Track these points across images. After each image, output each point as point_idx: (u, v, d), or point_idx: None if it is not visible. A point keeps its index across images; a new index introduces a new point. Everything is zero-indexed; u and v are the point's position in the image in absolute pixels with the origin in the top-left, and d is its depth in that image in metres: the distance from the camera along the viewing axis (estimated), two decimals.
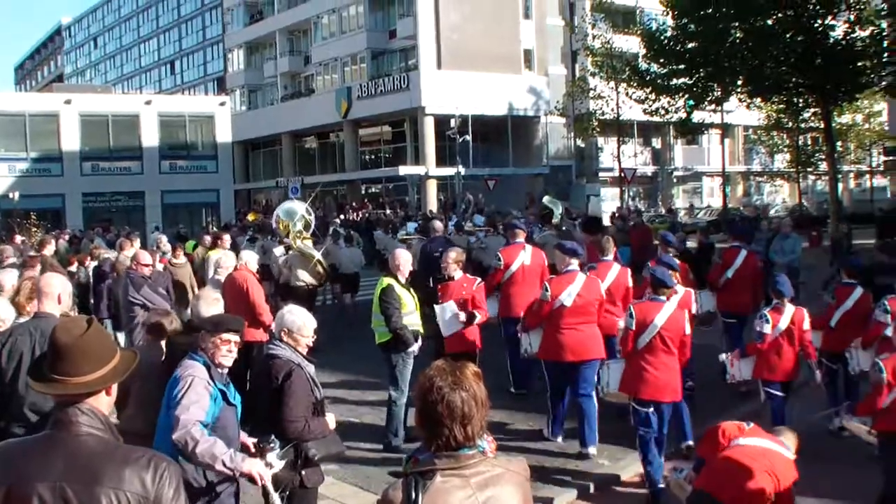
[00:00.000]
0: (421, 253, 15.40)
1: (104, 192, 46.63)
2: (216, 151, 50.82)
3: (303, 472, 6.01)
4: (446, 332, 10.20)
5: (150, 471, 3.14)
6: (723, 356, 9.79)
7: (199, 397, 5.21)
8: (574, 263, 9.85)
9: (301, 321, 6.34)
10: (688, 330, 8.63)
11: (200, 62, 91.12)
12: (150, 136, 48.03)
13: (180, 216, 46.26)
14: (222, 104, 52.66)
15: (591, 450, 9.45)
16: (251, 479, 5.28)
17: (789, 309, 9.15)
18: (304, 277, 15.38)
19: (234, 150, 59.00)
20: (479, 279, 10.82)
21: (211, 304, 7.00)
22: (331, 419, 6.34)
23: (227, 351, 5.53)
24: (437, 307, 10.25)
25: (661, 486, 8.12)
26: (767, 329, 9.11)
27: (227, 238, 16.96)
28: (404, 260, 10.07)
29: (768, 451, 5.83)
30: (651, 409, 8.39)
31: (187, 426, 5.02)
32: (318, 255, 15.91)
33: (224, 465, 5.06)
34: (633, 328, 8.45)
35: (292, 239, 15.79)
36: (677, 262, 10.50)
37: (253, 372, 6.40)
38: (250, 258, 12.20)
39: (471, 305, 10.19)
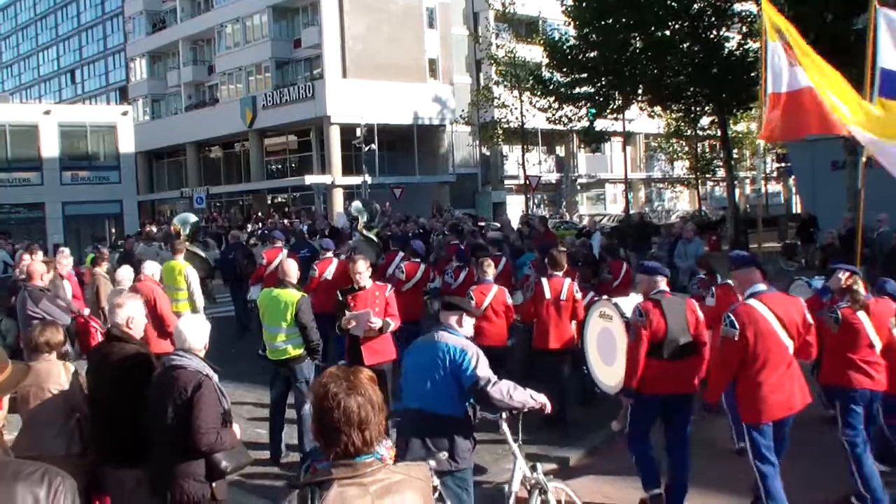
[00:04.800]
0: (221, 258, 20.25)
1: (2, 205, 45.11)
2: (119, 162, 49.58)
3: (213, 485, 5.88)
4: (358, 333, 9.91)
5: (44, 487, 2.97)
6: None
7: (486, 364, 6.43)
8: (329, 253, 14.68)
9: (202, 328, 6.25)
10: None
11: (102, 71, 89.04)
12: (50, 147, 46.66)
13: (83, 228, 45.17)
14: (125, 114, 51.47)
15: None
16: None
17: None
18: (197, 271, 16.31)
19: (137, 160, 57.81)
20: (390, 286, 10.72)
21: (129, 303, 6.84)
22: (236, 429, 6.19)
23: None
24: (349, 314, 9.81)
25: None
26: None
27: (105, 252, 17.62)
28: (292, 270, 10.01)
29: None
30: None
31: (499, 383, 6.32)
32: (203, 253, 19.50)
33: (534, 399, 6.47)
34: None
35: (182, 240, 18.37)
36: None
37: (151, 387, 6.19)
38: (154, 269, 12.04)
39: (384, 313, 9.90)
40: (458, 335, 6.60)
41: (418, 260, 14.40)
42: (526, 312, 11.38)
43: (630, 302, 8.70)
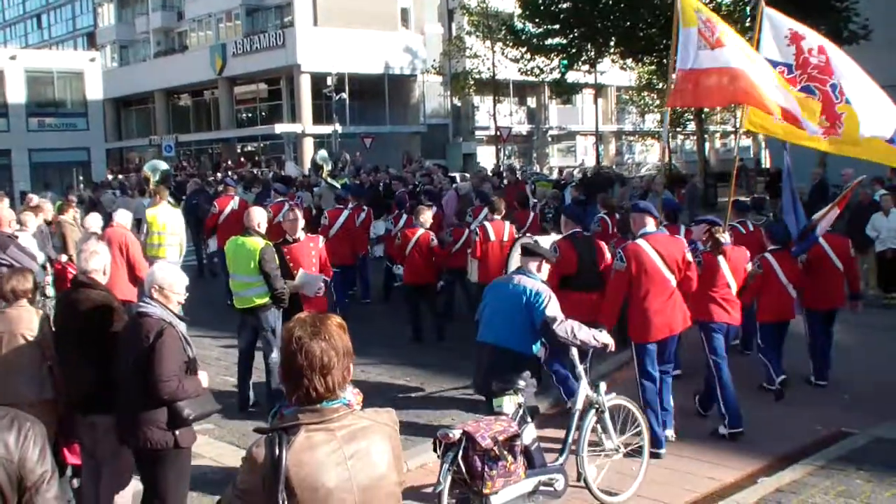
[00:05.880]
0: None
1: None
2: (86, 109, 48.93)
3: (177, 433, 5.89)
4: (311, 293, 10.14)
5: (14, 431, 3.01)
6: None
7: (557, 305, 7.18)
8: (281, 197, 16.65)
9: (172, 277, 6.19)
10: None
11: (69, 16, 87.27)
12: (16, 93, 45.90)
13: (50, 175, 44.60)
14: (92, 60, 50.67)
15: None
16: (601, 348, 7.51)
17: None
18: None
19: (105, 107, 57.00)
20: (322, 237, 11.03)
21: (105, 250, 6.78)
22: (203, 377, 6.20)
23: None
24: (302, 272, 10.02)
25: None
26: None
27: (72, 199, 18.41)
28: (256, 218, 9.92)
29: None
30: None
31: (565, 323, 7.07)
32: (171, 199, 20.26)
33: (595, 339, 7.25)
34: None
35: (151, 186, 19.23)
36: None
37: (121, 334, 6.20)
38: (126, 218, 12.01)
39: (320, 264, 10.35)
40: (535, 279, 7.36)
41: (341, 206, 15.61)
42: (474, 253, 12.81)
43: (547, 241, 9.99)
